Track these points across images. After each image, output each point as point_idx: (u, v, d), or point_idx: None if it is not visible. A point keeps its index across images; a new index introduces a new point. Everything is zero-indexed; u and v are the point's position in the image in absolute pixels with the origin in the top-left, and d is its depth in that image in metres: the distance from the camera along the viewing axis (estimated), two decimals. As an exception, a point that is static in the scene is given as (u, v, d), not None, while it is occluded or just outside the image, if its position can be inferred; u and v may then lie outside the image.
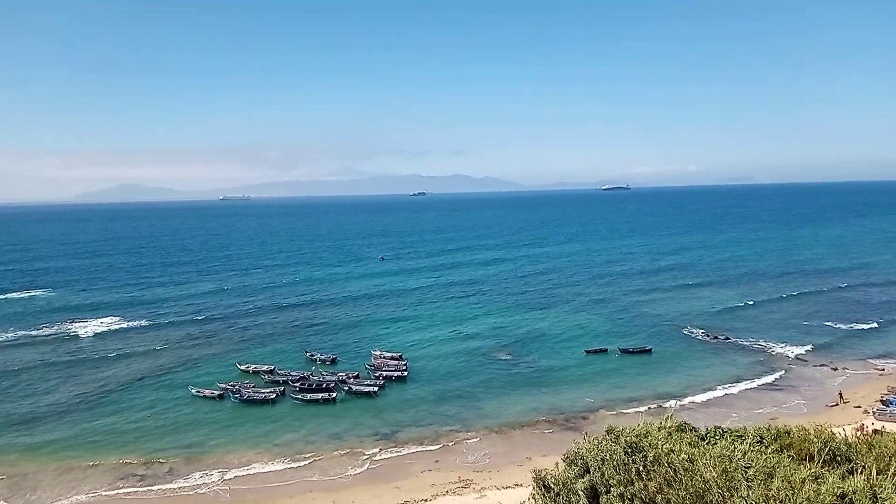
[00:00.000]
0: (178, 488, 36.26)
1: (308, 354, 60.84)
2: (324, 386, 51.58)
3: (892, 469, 8.86)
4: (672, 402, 46.40)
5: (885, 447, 9.96)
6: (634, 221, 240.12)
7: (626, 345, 61.70)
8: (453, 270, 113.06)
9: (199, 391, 51.15)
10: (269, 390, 51.01)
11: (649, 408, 45.59)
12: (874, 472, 8.27)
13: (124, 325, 74.95)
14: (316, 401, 49.06)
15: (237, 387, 51.57)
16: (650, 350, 60.15)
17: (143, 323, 75.33)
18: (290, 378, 53.54)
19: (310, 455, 40.14)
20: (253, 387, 51.96)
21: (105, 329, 72.82)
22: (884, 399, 45.10)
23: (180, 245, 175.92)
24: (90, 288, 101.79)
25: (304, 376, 53.86)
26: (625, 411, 44.71)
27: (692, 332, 65.80)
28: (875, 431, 34.72)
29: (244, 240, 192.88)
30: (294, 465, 39.02)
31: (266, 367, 56.91)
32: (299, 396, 49.80)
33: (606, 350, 60.74)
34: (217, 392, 50.94)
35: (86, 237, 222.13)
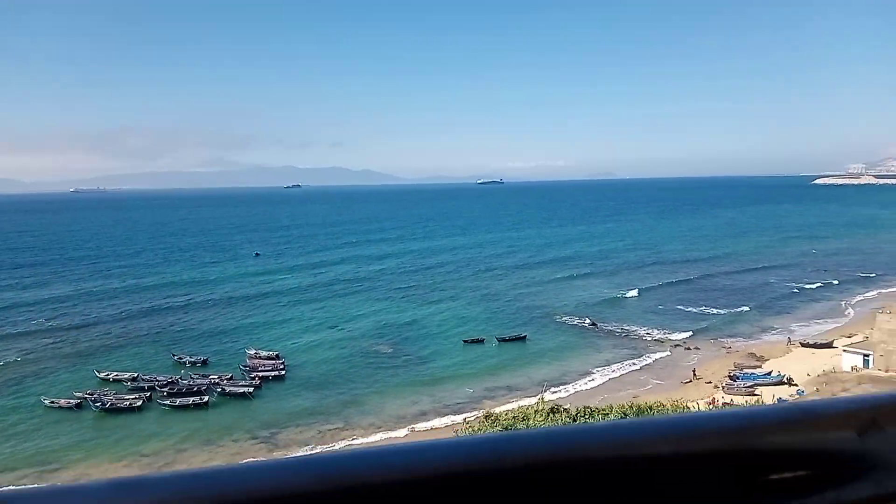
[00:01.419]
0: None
1: (176, 357, 57.38)
2: (194, 389, 49.02)
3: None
4: (546, 387, 48.66)
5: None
6: (514, 215, 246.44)
7: (502, 333, 63.96)
8: (333, 266, 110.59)
9: (53, 401, 46.75)
10: (133, 397, 47.67)
11: (526, 393, 47.58)
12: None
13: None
14: (186, 406, 46.50)
15: (97, 395, 47.75)
16: (525, 337, 62.76)
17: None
18: (156, 383, 50.29)
19: (182, 463, 38.04)
20: (115, 394, 48.36)
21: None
22: (731, 374, 50.01)
23: (27, 243, 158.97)
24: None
25: (172, 381, 50.82)
26: (503, 397, 46.34)
27: (566, 321, 69.33)
28: (724, 404, 38.56)
29: (101, 236, 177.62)
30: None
31: (129, 373, 53.06)
32: (168, 402, 46.97)
33: (483, 340, 62.61)
34: (74, 401, 46.81)
35: None
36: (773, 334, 62.99)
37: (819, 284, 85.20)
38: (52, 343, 62.82)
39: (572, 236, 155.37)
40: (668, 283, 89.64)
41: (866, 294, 79.49)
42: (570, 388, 49.61)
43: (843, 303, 75.16)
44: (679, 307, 74.96)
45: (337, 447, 39.75)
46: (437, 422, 42.95)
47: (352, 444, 40.05)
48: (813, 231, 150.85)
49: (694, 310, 73.53)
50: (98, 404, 46.17)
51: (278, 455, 38.69)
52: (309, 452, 39.22)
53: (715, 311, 73.08)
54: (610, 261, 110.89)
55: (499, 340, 62.06)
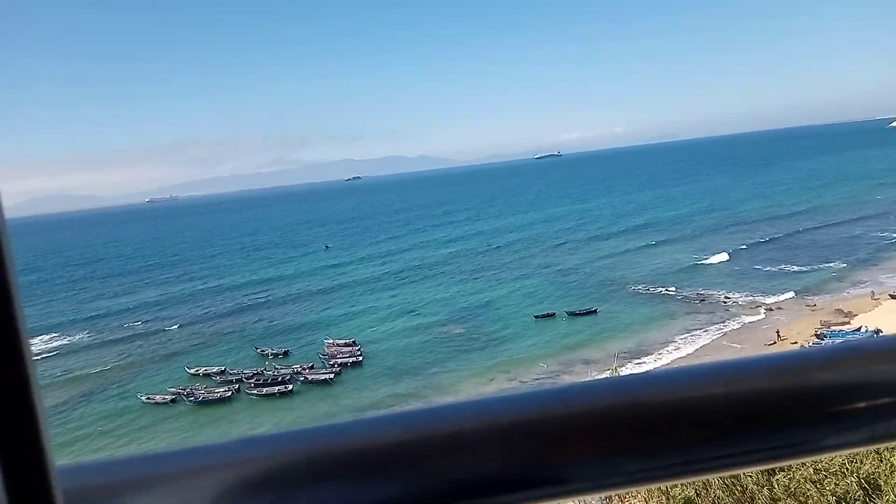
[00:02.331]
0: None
1: (259, 351, 59.90)
2: (279, 379, 51.07)
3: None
4: (618, 358, 48.01)
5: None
6: (579, 187, 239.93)
7: (572, 308, 63.46)
8: (400, 253, 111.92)
9: (149, 398, 49.78)
10: (223, 389, 50.14)
11: (602, 367, 47.17)
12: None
13: (65, 341, 71.56)
14: (273, 394, 48.59)
15: (189, 389, 50.47)
16: (595, 311, 61.97)
17: (83, 337, 72.35)
18: (243, 375, 52.71)
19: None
20: (206, 388, 50.99)
21: (42, 347, 69.38)
22: (818, 333, 47.94)
23: (112, 254, 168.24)
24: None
25: (257, 372, 53.13)
26: (579, 372, 46.14)
27: (637, 290, 67.99)
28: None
29: (180, 243, 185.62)
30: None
31: (217, 368, 55.81)
32: (255, 392, 49.17)
33: (554, 314, 62.31)
34: (169, 397, 49.71)
35: None
36: (862, 288, 59.87)
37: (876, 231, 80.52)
38: (145, 345, 66.74)
39: (644, 203, 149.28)
40: (748, 243, 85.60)
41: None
42: (648, 360, 48.78)
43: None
44: (759, 267, 72.00)
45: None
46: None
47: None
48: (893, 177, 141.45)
49: (775, 269, 70.58)
50: (191, 398, 48.78)
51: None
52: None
53: (797, 268, 69.95)
54: (686, 225, 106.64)
55: (568, 315, 61.62)
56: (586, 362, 48.42)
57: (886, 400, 0.72)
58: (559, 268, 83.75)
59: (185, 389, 50.59)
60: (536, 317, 62.08)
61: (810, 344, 45.84)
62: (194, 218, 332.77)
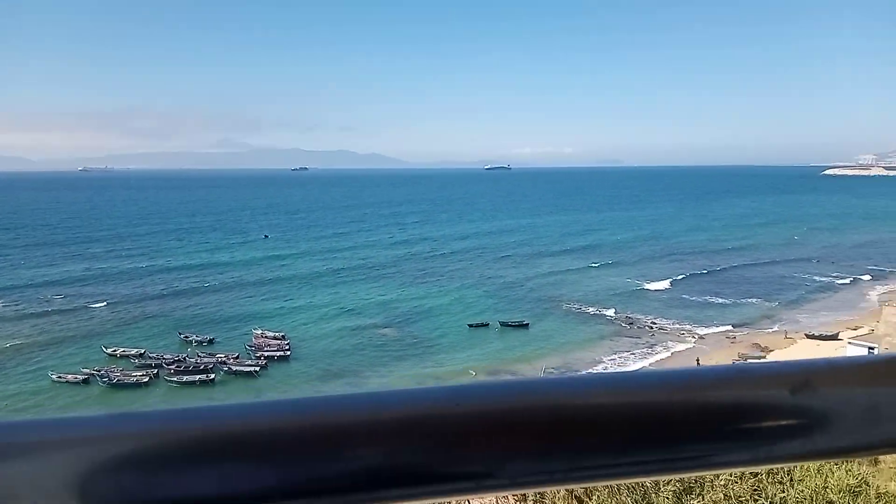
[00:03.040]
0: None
1: (182, 336, 57.78)
2: (201, 367, 49.43)
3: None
4: (545, 372, 48.71)
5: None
6: (528, 202, 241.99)
7: (504, 318, 64.08)
8: (341, 251, 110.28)
9: (60, 377, 47.23)
10: (140, 373, 48.14)
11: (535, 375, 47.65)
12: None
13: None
14: (193, 382, 46.99)
15: (104, 370, 48.21)
16: (527, 324, 62.79)
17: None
18: (163, 361, 50.76)
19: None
20: (122, 370, 48.83)
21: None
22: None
23: (37, 222, 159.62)
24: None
25: (179, 358, 51.27)
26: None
27: (575, 309, 69.17)
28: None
29: (113, 216, 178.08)
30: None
31: (135, 350, 53.55)
32: (175, 379, 47.42)
33: (488, 324, 62.78)
34: (81, 377, 47.32)
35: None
36: (780, 325, 62.76)
37: (829, 277, 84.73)
38: (62, 321, 63.37)
39: (591, 224, 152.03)
40: (686, 274, 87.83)
41: (877, 287, 79.03)
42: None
43: (851, 296, 74.80)
44: (694, 297, 74.35)
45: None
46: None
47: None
48: (828, 222, 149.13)
49: (709, 300, 73.09)
50: (105, 380, 46.65)
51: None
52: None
53: (727, 301, 72.70)
54: (630, 250, 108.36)
55: (501, 325, 62.21)
56: (512, 374, 48.89)
57: (770, 423, 0.74)
58: (502, 281, 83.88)
59: (99, 370, 48.32)
60: (470, 325, 62.40)
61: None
62: (131, 192, 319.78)
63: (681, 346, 56.60)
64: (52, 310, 67.11)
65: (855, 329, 57.19)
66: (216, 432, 0.62)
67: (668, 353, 54.59)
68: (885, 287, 79.26)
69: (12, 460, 0.57)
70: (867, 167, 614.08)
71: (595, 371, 50.05)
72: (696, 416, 0.73)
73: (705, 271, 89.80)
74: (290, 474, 0.62)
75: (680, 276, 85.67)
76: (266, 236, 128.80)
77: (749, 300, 72.77)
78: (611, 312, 66.88)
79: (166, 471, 0.59)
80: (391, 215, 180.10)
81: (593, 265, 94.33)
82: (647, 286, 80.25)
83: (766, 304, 71.13)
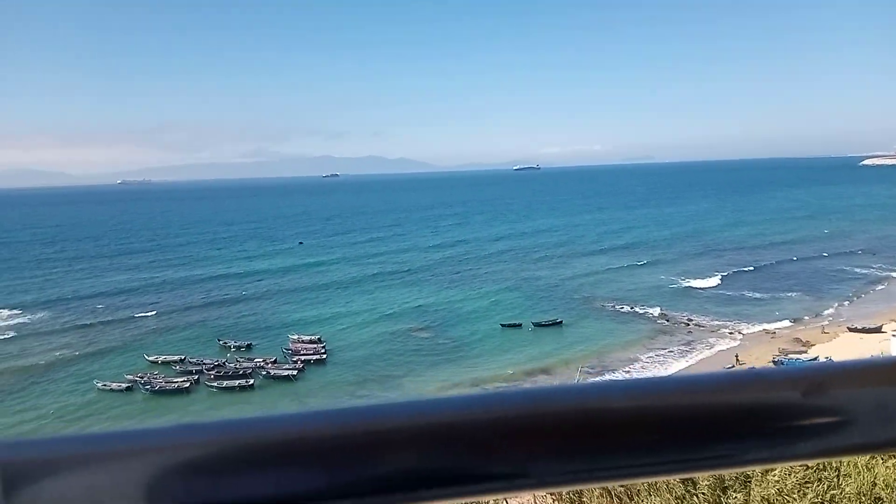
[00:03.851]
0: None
1: (221, 342, 58.92)
2: (240, 372, 50.31)
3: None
4: (581, 372, 48.32)
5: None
6: (562, 202, 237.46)
7: (537, 318, 63.79)
8: (374, 255, 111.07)
9: (105, 385, 48.57)
10: (181, 379, 49.20)
11: (564, 378, 47.41)
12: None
13: (25, 319, 69.47)
14: (233, 388, 47.83)
15: (147, 377, 49.42)
16: (560, 322, 62.44)
17: (42, 316, 70.47)
18: (203, 366, 51.82)
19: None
20: (164, 377, 49.99)
21: (1, 324, 67.28)
22: (775, 360, 48.90)
23: (78, 235, 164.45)
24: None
25: (218, 364, 52.29)
26: (540, 381, 46.30)
27: (605, 306, 68.55)
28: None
29: (151, 227, 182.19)
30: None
31: (176, 356, 54.76)
32: (215, 384, 48.33)
33: (521, 324, 62.58)
34: (125, 384, 48.58)
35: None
36: (822, 320, 61.20)
37: (872, 269, 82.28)
38: (106, 331, 65.08)
39: (629, 222, 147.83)
40: (724, 270, 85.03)
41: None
42: (608, 372, 49.25)
43: (889, 287, 72.54)
44: (729, 293, 72.81)
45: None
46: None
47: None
48: (870, 213, 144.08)
49: (743, 295, 71.73)
50: (147, 387, 47.77)
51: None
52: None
53: (762, 296, 71.19)
54: (668, 248, 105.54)
55: (534, 325, 61.94)
56: (551, 372, 48.70)
57: (785, 423, 0.77)
58: (541, 282, 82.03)
59: (142, 377, 49.49)
60: (503, 325, 62.29)
61: (769, 370, 46.63)
62: (168, 204, 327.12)
63: (721, 344, 55.57)
64: (96, 320, 68.93)
65: (900, 321, 55.55)
66: (272, 439, 0.67)
67: (710, 352, 53.54)
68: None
69: (93, 468, 0.63)
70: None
71: (633, 372, 49.54)
72: (718, 417, 0.76)
73: (750, 268, 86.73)
74: (341, 476, 0.67)
75: (722, 273, 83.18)
76: (301, 243, 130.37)
77: (790, 294, 71.00)
78: (655, 311, 65.33)
79: (229, 475, 0.65)
80: (424, 219, 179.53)
81: (635, 263, 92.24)
82: (688, 283, 78.51)
83: (809, 298, 69.35)
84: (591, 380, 45.76)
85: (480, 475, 0.72)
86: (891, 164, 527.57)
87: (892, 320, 56.56)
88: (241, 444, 0.67)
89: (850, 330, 55.97)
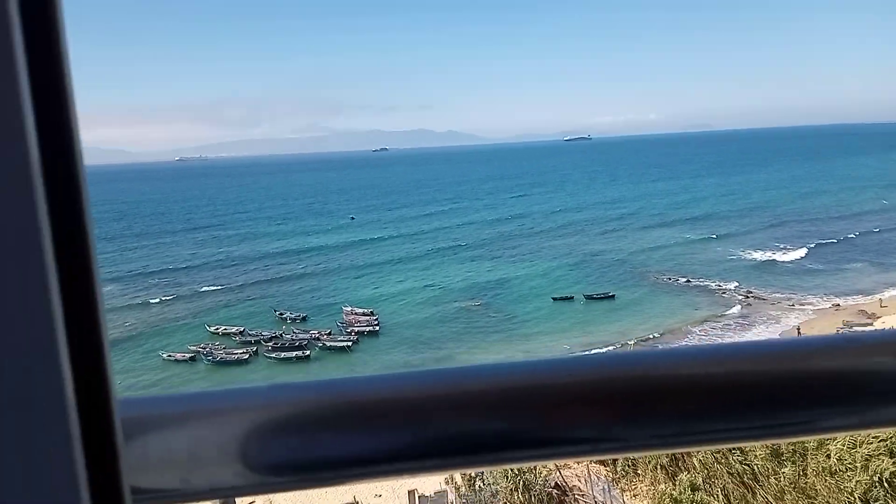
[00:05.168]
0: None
1: (278, 314, 60.74)
2: (296, 344, 51.79)
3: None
4: (637, 343, 47.83)
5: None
6: (620, 172, 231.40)
7: (589, 291, 63.17)
8: (426, 229, 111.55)
9: (170, 355, 50.84)
10: (241, 350, 51.04)
11: (619, 348, 46.98)
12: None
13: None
14: (290, 359, 49.37)
15: (209, 349, 51.44)
16: (613, 296, 61.71)
17: (111, 289, 73.84)
18: (261, 338, 53.57)
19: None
20: (224, 348, 51.91)
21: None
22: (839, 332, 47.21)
23: (141, 211, 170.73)
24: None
25: (276, 335, 53.95)
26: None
27: (658, 278, 67.34)
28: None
29: (213, 203, 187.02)
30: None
31: (236, 328, 56.74)
32: (273, 355, 49.99)
33: (573, 297, 62.13)
34: (188, 355, 50.73)
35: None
36: (886, 290, 58.64)
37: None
38: (170, 303, 67.98)
39: (696, 193, 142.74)
40: (805, 242, 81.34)
41: None
42: (664, 344, 48.53)
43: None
44: (810, 265, 70.47)
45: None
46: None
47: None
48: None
49: (804, 265, 69.47)
50: (209, 357, 49.77)
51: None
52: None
53: (823, 266, 68.77)
54: (743, 220, 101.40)
55: (586, 298, 61.40)
56: (606, 344, 48.32)
57: (877, 388, 0.76)
58: (609, 256, 79.48)
59: (204, 348, 51.59)
60: (555, 298, 61.97)
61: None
62: (225, 180, 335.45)
63: (785, 317, 53.96)
64: (162, 293, 71.99)
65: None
66: (361, 400, 0.71)
67: (771, 326, 52.10)
68: None
69: (195, 424, 0.70)
70: None
71: (694, 343, 48.74)
72: (804, 382, 0.76)
73: (830, 241, 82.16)
74: (421, 438, 0.71)
75: (803, 246, 79.47)
76: (352, 218, 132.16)
77: (855, 266, 68.28)
78: (729, 286, 63.19)
79: (319, 433, 0.70)
80: (477, 192, 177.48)
81: (707, 237, 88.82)
82: (766, 257, 75.42)
83: (875, 269, 66.48)
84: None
85: (566, 438, 0.73)
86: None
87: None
88: (332, 405, 0.71)
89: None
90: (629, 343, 48.12)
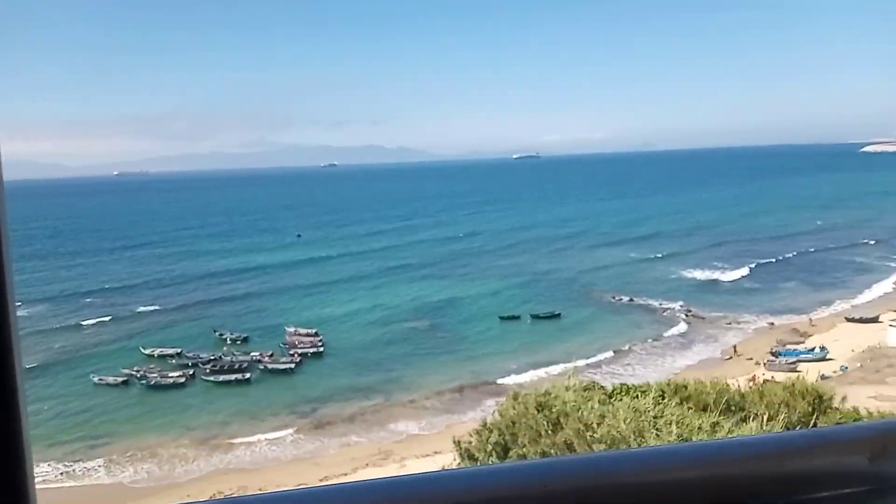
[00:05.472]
0: (90, 482, 34.57)
1: (217, 334, 58.81)
2: (236, 366, 50.17)
3: (781, 416, 9.49)
4: (581, 363, 48.13)
5: (774, 395, 10.72)
6: (569, 190, 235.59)
7: (536, 310, 63.58)
8: (373, 247, 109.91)
9: (101, 379, 48.44)
10: (178, 373, 49.06)
11: (559, 370, 47.14)
12: (765, 418, 8.89)
13: (24, 313, 69.29)
14: (229, 381, 47.73)
15: (143, 372, 49.31)
16: (559, 315, 62.29)
17: (40, 309, 70.28)
18: (199, 360, 51.68)
19: (226, 436, 39.19)
20: (160, 371, 49.84)
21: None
22: (773, 350, 48.73)
23: (75, 227, 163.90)
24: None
25: (215, 357, 52.15)
26: (539, 372, 46.10)
27: (604, 297, 68.36)
28: (765, 381, 37.43)
29: (153, 219, 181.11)
30: (210, 446, 37.98)
31: (173, 350, 54.63)
32: (212, 378, 48.27)
33: (519, 316, 62.41)
34: (121, 378, 48.47)
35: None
36: (818, 309, 61.05)
37: (871, 258, 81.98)
38: (106, 325, 64.85)
39: (644, 212, 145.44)
40: (742, 263, 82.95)
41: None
42: (606, 363, 49.25)
43: (890, 277, 72.23)
44: (741, 284, 72.63)
45: (378, 422, 40.41)
46: (478, 402, 43.04)
47: (395, 423, 40.62)
48: (858, 202, 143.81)
49: (743, 285, 71.78)
50: (143, 381, 47.72)
51: (320, 429, 39.48)
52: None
53: (761, 286, 71.18)
54: (686, 239, 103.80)
55: (532, 317, 61.81)
56: (550, 363, 48.35)
57: (851, 490, 0.74)
58: (556, 276, 79.60)
59: (138, 371, 49.42)
60: (502, 318, 62.12)
61: (765, 360, 46.56)
62: (167, 195, 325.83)
63: (722, 335, 55.38)
64: (95, 314, 68.70)
65: (896, 311, 55.38)
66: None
67: (709, 344, 53.34)
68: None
69: None
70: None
71: (635, 361, 49.42)
72: (773, 485, 0.74)
73: (770, 259, 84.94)
74: None
75: (743, 265, 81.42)
76: (299, 235, 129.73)
77: (794, 285, 70.91)
78: (674, 305, 64.09)
79: None
80: (427, 210, 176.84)
81: (654, 256, 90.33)
82: (707, 276, 77.37)
83: (810, 288, 69.22)
84: (595, 380, 45.69)
85: None
86: (892, 150, 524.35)
87: (890, 311, 56.36)
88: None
89: (848, 320, 55.92)
90: (576, 364, 48.33)
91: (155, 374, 48.88)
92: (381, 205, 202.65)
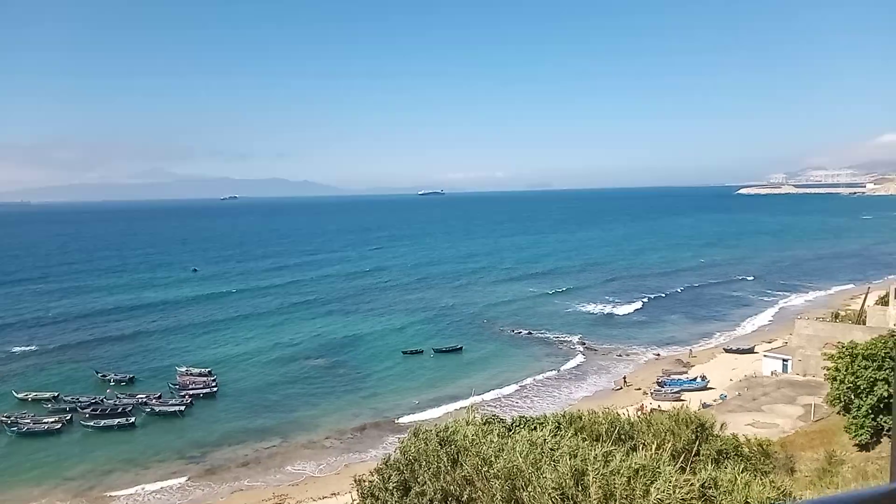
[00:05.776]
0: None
1: (100, 375, 54.79)
2: (119, 410, 46.76)
3: (667, 444, 10.00)
4: (481, 397, 48.54)
5: (661, 424, 11.28)
6: (470, 228, 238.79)
7: (439, 345, 63.89)
8: (270, 283, 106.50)
9: (-36, 427, 43.64)
10: (52, 419, 45.05)
11: (462, 404, 47.29)
12: (653, 447, 9.33)
13: None
14: (111, 427, 44.32)
15: (14, 418, 44.92)
16: (461, 348, 62.89)
17: None
18: (79, 404, 47.79)
19: (105, 486, 36.19)
20: (33, 416, 45.59)
21: None
22: (659, 381, 51.27)
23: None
24: None
25: (96, 401, 48.40)
26: (442, 407, 46.01)
27: (505, 330, 69.72)
28: (652, 410, 39.18)
29: (31, 252, 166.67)
30: (88, 499, 34.93)
31: (49, 393, 50.23)
32: (91, 423, 44.67)
33: (422, 351, 62.44)
34: (-12, 426, 43.88)
35: None
36: (701, 340, 65.07)
37: (747, 293, 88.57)
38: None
39: (545, 248, 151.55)
40: (628, 298, 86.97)
41: (788, 300, 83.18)
42: (506, 395, 50.05)
43: (765, 310, 78.22)
44: (629, 317, 76.22)
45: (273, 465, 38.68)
46: (379, 439, 42.28)
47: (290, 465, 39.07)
48: (736, 240, 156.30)
49: (634, 318, 75.37)
50: (14, 428, 43.54)
51: (211, 474, 37.26)
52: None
53: (649, 318, 75.06)
54: (583, 274, 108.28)
55: (435, 351, 62.13)
56: (453, 398, 48.41)
57: None
58: (459, 311, 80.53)
59: (9, 417, 45.02)
60: (404, 352, 61.92)
61: (652, 390, 48.81)
62: (51, 227, 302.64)
63: (613, 366, 57.72)
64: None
65: (770, 342, 59.86)
66: None
67: (601, 374, 55.46)
68: (797, 298, 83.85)
69: None
70: (778, 186, 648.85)
71: (531, 393, 50.38)
72: None
73: (656, 294, 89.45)
74: None
75: (632, 300, 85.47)
76: (195, 270, 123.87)
77: (675, 318, 75.26)
78: (572, 338, 66.10)
79: None
80: (332, 244, 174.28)
81: (552, 291, 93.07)
82: (601, 310, 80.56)
83: (692, 321, 73.69)
84: (496, 413, 46.10)
85: None
86: (764, 193, 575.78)
87: (764, 341, 60.91)
88: None
89: (726, 351, 59.90)
90: (478, 398, 48.64)
91: (27, 421, 44.71)
92: (284, 239, 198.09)
